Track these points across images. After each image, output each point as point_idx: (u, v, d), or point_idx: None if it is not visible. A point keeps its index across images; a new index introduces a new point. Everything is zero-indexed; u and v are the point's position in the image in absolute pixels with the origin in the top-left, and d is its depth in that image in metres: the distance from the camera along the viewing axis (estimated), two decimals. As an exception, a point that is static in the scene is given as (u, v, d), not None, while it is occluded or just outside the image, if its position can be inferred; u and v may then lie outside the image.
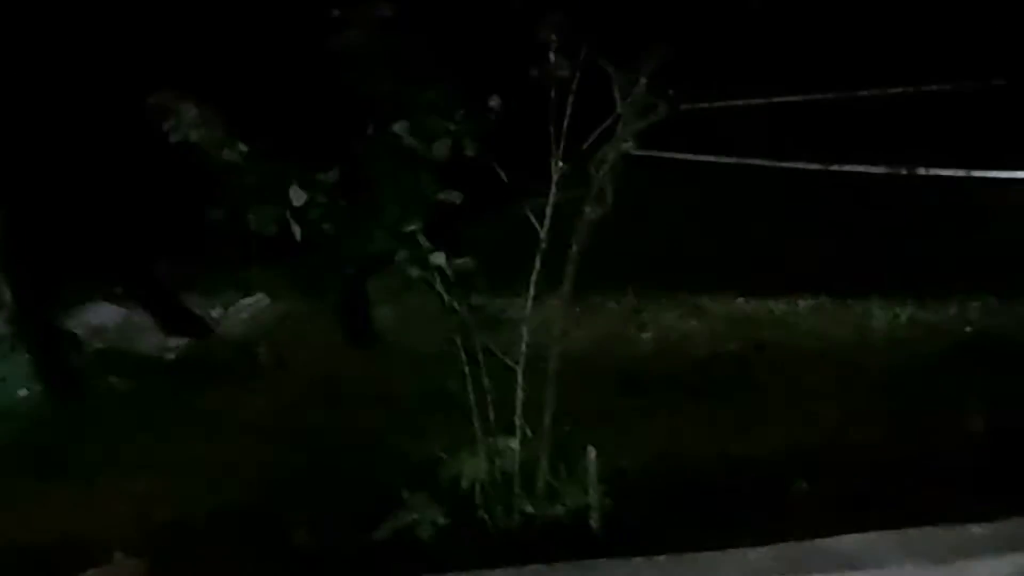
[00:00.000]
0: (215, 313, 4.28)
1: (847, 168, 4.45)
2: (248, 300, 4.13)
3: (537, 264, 2.86)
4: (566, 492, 2.88)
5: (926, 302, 4.28)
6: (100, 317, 4.17)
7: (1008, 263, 4.29)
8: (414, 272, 2.77)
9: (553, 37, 2.80)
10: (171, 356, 4.14)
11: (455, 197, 2.78)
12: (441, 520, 2.82)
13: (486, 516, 2.87)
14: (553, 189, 2.84)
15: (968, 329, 4.15)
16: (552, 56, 2.80)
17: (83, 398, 3.88)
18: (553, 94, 2.80)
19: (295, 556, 2.82)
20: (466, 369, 2.86)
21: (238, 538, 2.92)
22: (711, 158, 4.12)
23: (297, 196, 2.68)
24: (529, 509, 2.86)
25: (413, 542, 2.79)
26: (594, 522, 2.84)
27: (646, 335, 4.23)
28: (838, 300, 4.35)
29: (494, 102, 2.77)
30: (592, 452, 2.85)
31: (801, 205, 4.68)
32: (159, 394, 3.92)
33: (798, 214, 4.68)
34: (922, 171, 4.33)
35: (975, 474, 3.01)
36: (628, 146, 2.91)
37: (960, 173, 4.42)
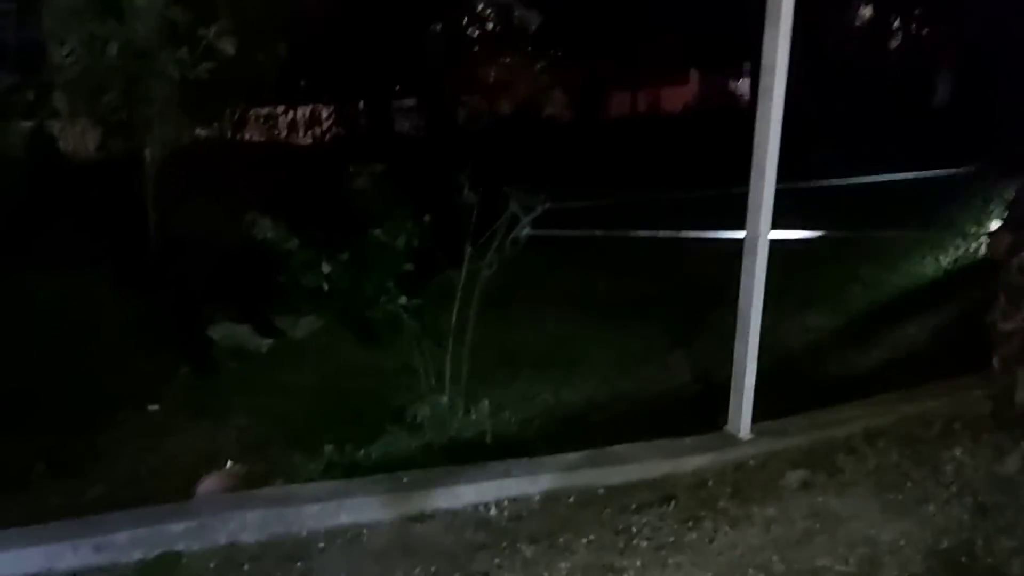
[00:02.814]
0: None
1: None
2: (305, 319, 6.76)
3: (457, 301, 5.32)
4: (474, 424, 5.34)
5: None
6: (224, 329, 6.84)
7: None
8: (389, 307, 5.24)
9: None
10: (263, 349, 6.78)
11: (410, 267, 5.25)
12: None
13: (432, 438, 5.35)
14: (465, 262, 5.29)
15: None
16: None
17: (216, 373, 6.53)
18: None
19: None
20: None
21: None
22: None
23: (326, 267, 5.19)
24: (452, 433, 5.32)
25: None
26: (488, 440, 5.30)
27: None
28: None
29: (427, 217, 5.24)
30: (485, 401, 5.31)
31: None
32: (256, 369, 6.57)
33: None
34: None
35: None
36: (519, 232, 5.33)
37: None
